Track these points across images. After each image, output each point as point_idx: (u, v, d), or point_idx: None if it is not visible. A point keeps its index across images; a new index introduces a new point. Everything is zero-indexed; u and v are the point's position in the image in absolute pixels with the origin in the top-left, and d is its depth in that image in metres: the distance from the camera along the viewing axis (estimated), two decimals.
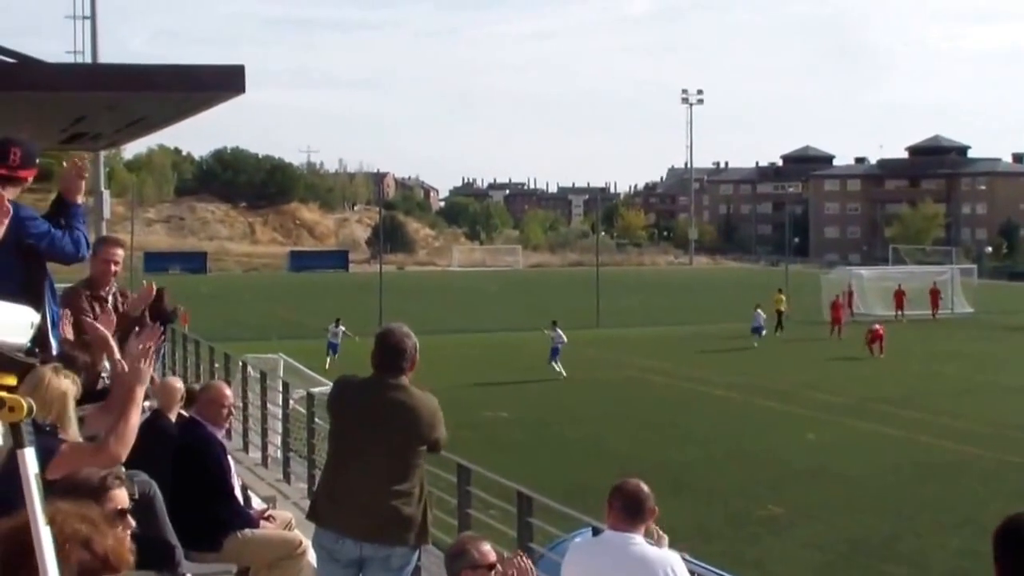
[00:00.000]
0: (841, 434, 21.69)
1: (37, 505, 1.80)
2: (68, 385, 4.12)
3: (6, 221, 4.41)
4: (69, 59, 22.81)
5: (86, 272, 6.62)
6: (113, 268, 6.41)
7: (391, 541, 4.93)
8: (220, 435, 6.50)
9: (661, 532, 4.84)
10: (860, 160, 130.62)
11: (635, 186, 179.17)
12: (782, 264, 66.25)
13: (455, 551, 4.13)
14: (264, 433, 13.65)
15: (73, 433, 4.12)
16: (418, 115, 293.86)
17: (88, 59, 23.82)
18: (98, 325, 5.51)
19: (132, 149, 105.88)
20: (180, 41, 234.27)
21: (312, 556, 5.53)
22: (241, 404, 13.68)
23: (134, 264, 44.68)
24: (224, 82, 7.12)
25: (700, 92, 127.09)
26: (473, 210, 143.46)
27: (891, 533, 14.84)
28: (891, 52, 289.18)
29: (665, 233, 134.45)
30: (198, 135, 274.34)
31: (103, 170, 24.80)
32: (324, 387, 15.43)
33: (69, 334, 5.69)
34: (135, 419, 3.86)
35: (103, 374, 5.77)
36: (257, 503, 7.36)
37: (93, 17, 24.68)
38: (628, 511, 4.50)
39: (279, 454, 13.25)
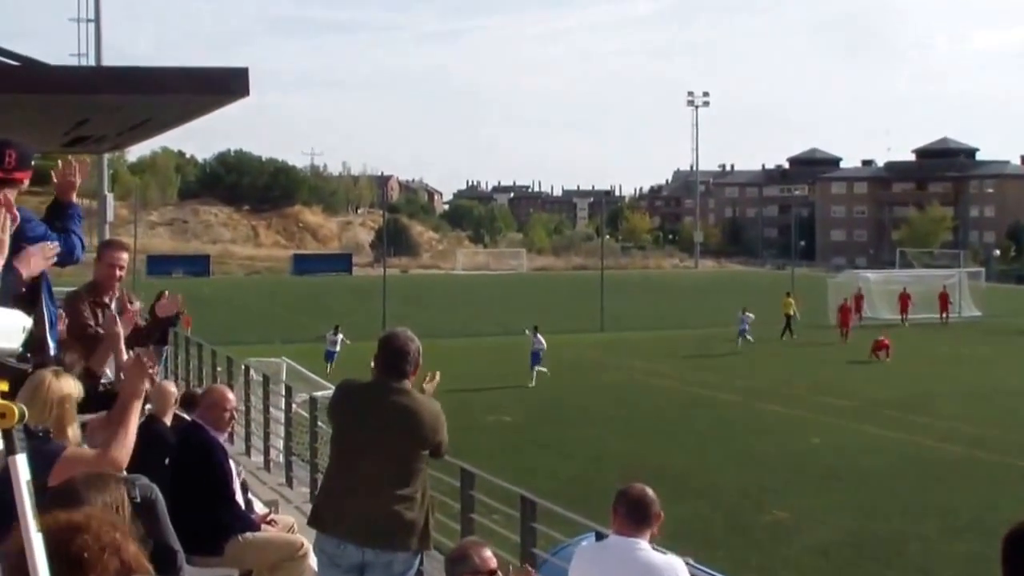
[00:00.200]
0: (847, 438, 21.63)
1: (29, 511, 1.78)
2: (69, 388, 4.10)
3: (14, 226, 4.39)
4: (73, 62, 22.81)
5: (88, 275, 6.59)
6: (118, 272, 6.37)
7: (393, 546, 4.90)
8: (222, 439, 6.48)
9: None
10: (867, 162, 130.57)
11: (640, 189, 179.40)
12: (788, 267, 66.25)
13: (456, 556, 4.10)
14: (266, 437, 13.63)
15: (74, 437, 4.10)
16: (422, 118, 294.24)
17: (92, 62, 23.83)
18: (117, 322, 5.49)
19: (136, 152, 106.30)
20: (184, 44, 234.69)
21: (314, 559, 5.51)
22: (244, 408, 13.66)
23: (137, 267, 44.73)
24: (228, 85, 7.10)
25: (706, 94, 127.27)
26: (477, 213, 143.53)
27: (897, 538, 14.77)
28: (899, 54, 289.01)
29: (670, 236, 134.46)
30: (202, 138, 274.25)
31: (106, 173, 24.81)
32: (327, 391, 15.40)
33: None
34: (133, 430, 3.94)
35: (103, 380, 5.75)
36: (259, 507, 7.34)
37: (97, 20, 24.70)
38: (633, 516, 4.48)
39: (281, 458, 13.23)
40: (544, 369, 28.85)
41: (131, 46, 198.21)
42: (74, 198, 5.02)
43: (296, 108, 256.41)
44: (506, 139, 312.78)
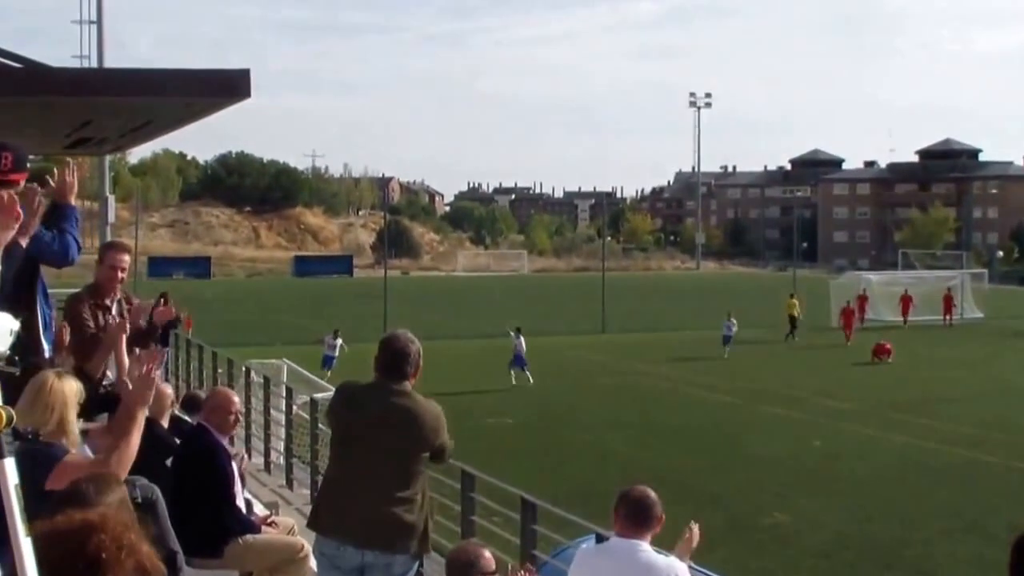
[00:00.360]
0: (848, 440, 21.61)
1: (17, 516, 1.77)
2: (71, 389, 4.11)
3: (16, 226, 4.39)
4: (75, 64, 22.81)
5: (89, 277, 6.60)
6: (119, 275, 6.36)
7: (393, 548, 4.90)
8: (226, 442, 6.48)
9: (695, 532, 4.82)
10: (870, 164, 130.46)
11: (642, 190, 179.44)
12: (790, 269, 66.19)
13: (464, 560, 4.09)
14: (267, 439, 13.63)
15: (74, 439, 4.11)
16: (423, 119, 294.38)
17: (94, 64, 23.84)
18: (123, 325, 5.49)
19: (137, 153, 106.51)
20: (186, 46, 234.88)
21: (314, 562, 5.51)
22: (244, 409, 13.66)
23: (138, 269, 44.74)
24: (230, 86, 7.10)
25: (708, 95, 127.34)
26: (478, 215, 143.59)
27: (898, 540, 14.76)
28: (901, 55, 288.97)
29: (672, 238, 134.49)
30: (203, 140, 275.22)
31: (108, 175, 24.80)
32: (327, 392, 15.39)
33: (66, 338, 5.68)
34: (136, 440, 3.96)
35: (104, 382, 5.76)
36: (259, 509, 7.34)
37: (99, 22, 24.68)
38: (634, 518, 4.48)
39: (282, 460, 13.23)
40: (526, 373, 28.40)
41: (133, 48, 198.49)
42: (72, 201, 5.03)
43: (297, 110, 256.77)
44: (507, 140, 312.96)
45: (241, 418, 6.92)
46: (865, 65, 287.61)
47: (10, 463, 1.84)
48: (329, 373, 27.39)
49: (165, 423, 6.57)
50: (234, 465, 6.35)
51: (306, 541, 5.95)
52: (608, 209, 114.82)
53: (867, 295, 46.16)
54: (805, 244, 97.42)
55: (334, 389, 5.94)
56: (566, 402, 26.33)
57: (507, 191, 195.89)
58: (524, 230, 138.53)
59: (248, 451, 14.07)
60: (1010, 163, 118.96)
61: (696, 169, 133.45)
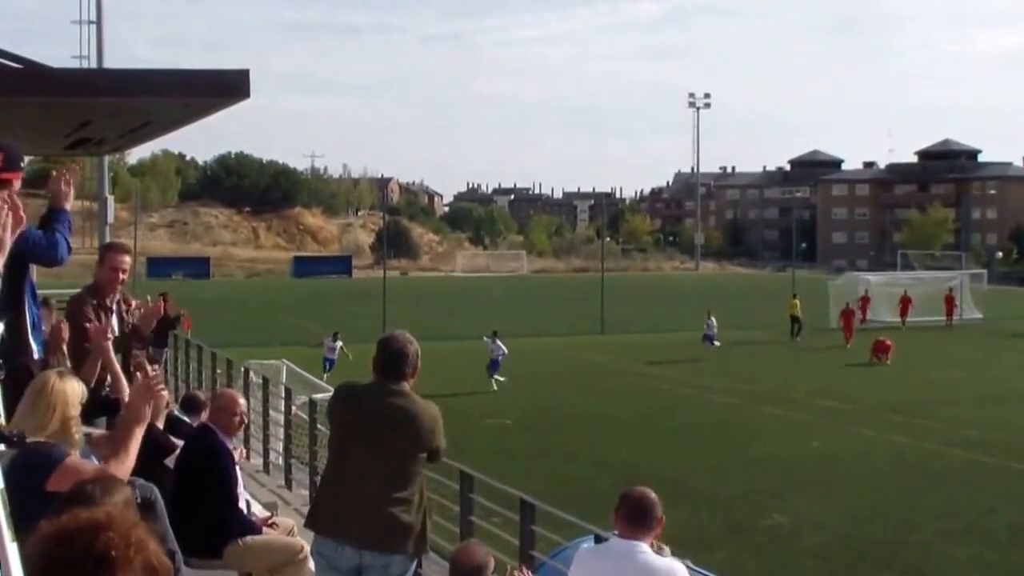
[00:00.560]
0: (847, 441, 21.62)
1: (2, 519, 1.76)
2: (72, 390, 4.11)
3: (19, 228, 4.39)
4: (75, 64, 22.82)
5: (89, 278, 6.60)
6: (120, 276, 6.37)
7: (390, 549, 4.91)
8: (231, 444, 6.48)
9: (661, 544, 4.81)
10: (869, 164, 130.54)
11: (641, 191, 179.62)
12: (789, 270, 66.21)
13: (473, 564, 4.07)
14: (266, 439, 13.63)
15: (76, 440, 4.12)
16: (422, 120, 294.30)
17: (94, 64, 23.83)
18: (105, 333, 5.48)
19: (136, 154, 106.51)
20: (185, 46, 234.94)
21: (312, 562, 5.51)
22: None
23: (137, 270, 44.68)
24: (229, 87, 7.10)
25: (707, 96, 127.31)
26: (477, 215, 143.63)
27: (897, 541, 14.76)
28: (900, 55, 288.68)
29: (671, 238, 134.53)
30: (202, 140, 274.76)
31: (107, 175, 24.80)
32: (326, 393, 15.39)
33: (65, 337, 5.67)
34: (134, 452, 4.05)
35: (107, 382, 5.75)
36: (258, 510, 7.34)
37: (99, 22, 24.69)
38: (633, 519, 4.48)
39: (281, 460, 13.23)
40: (502, 379, 28.09)
41: (133, 48, 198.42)
42: (67, 207, 5.03)
43: (297, 110, 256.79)
44: (507, 141, 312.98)
45: (246, 419, 6.91)
46: (864, 66, 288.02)
47: None
48: (326, 377, 27.04)
49: (161, 424, 6.57)
50: (238, 467, 6.36)
51: (305, 542, 5.95)
52: (607, 210, 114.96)
53: (868, 296, 46.05)
54: (804, 245, 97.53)
55: (333, 389, 5.94)
56: (565, 403, 26.32)
57: (506, 192, 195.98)
58: (523, 231, 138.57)
59: (247, 452, 14.10)
60: (1009, 164, 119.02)
61: (695, 170, 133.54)
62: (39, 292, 5.36)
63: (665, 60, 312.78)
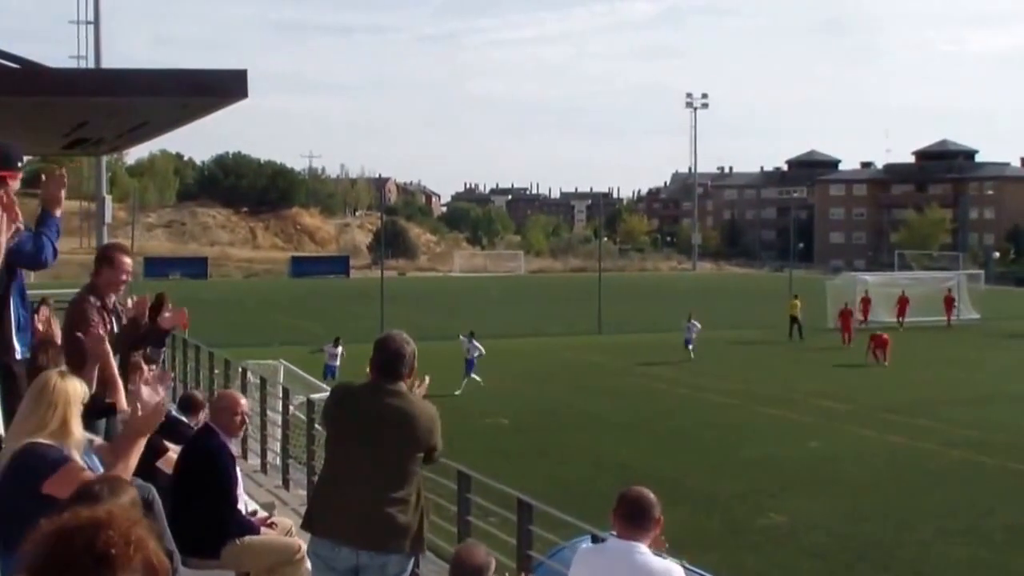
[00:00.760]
0: (845, 442, 21.63)
1: None
2: (74, 389, 4.11)
3: (14, 228, 4.39)
4: (72, 64, 22.81)
5: (86, 278, 6.59)
6: (124, 277, 6.39)
7: (387, 549, 4.91)
8: (232, 444, 6.48)
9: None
10: (866, 164, 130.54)
11: (638, 191, 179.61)
12: (786, 270, 66.24)
13: (475, 564, 4.07)
14: (263, 439, 13.62)
15: (77, 441, 4.12)
16: (420, 120, 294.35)
17: (91, 64, 23.82)
18: (101, 338, 5.47)
19: (134, 154, 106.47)
20: (183, 46, 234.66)
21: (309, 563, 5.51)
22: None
23: (135, 269, 44.58)
24: (227, 87, 7.12)
25: (705, 96, 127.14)
26: (475, 215, 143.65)
27: (895, 541, 14.79)
28: (897, 55, 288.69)
29: (668, 238, 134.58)
30: (200, 140, 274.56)
31: (105, 175, 24.80)
32: (324, 393, 15.40)
33: (57, 335, 5.65)
34: (134, 461, 4.08)
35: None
36: (254, 508, 7.34)
37: (96, 22, 24.69)
38: (631, 519, 4.48)
39: (278, 460, 13.23)
40: (478, 378, 27.68)
41: (130, 48, 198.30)
42: (57, 212, 5.02)
43: (294, 110, 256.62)
44: (504, 141, 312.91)
45: (248, 419, 6.91)
46: (861, 66, 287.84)
47: None
48: (326, 382, 25.33)
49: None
50: (238, 468, 6.36)
51: (303, 542, 5.95)
52: (605, 210, 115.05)
53: (869, 297, 45.94)
54: (801, 245, 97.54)
55: (330, 390, 5.95)
56: (562, 403, 26.33)
57: (503, 192, 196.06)
58: (520, 231, 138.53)
59: (244, 452, 14.11)
60: (1006, 164, 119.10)
61: (692, 170, 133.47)
62: (40, 292, 5.36)
63: (662, 60, 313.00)
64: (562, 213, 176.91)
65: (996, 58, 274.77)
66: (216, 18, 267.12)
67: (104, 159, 24.01)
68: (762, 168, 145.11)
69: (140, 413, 4.06)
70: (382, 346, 5.10)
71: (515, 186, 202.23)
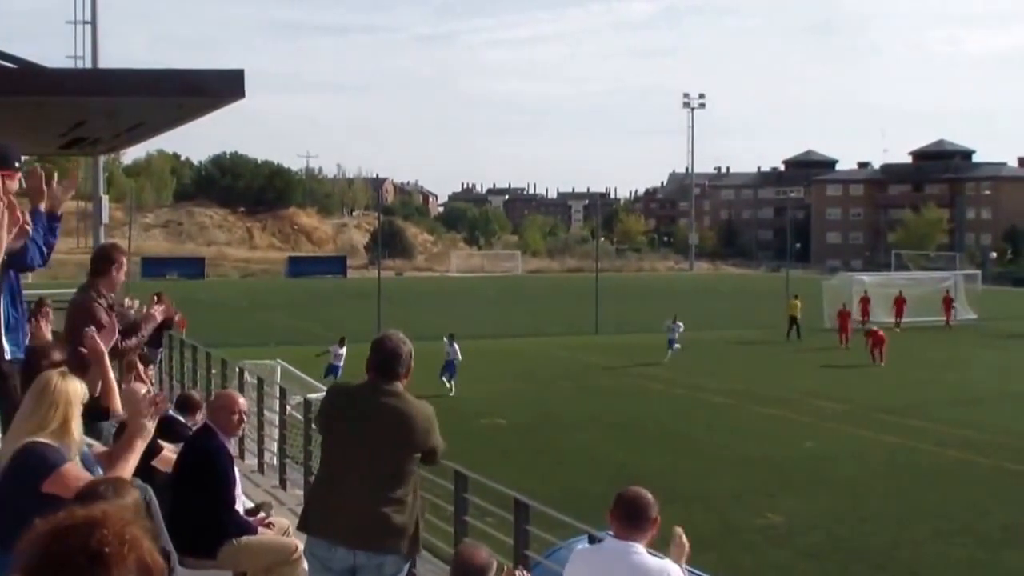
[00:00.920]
0: (841, 442, 21.65)
1: None
2: (74, 389, 4.12)
3: (17, 229, 4.39)
4: (70, 64, 22.78)
5: (83, 277, 6.60)
6: (121, 277, 6.47)
7: (384, 549, 4.91)
8: (230, 444, 6.48)
9: (683, 537, 4.81)
10: (863, 165, 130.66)
11: (635, 191, 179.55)
12: (783, 270, 66.26)
13: (477, 564, 4.07)
14: (260, 439, 13.63)
15: (77, 441, 4.12)
16: (417, 120, 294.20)
17: (88, 64, 23.79)
18: (98, 341, 5.46)
19: (131, 154, 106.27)
20: (181, 46, 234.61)
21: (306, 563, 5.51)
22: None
23: (132, 269, 44.63)
24: (224, 87, 7.12)
25: (702, 96, 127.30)
26: (472, 215, 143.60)
27: (891, 542, 14.80)
28: (894, 56, 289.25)
29: (665, 238, 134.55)
30: (197, 140, 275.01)
31: (102, 175, 24.76)
32: (321, 393, 15.38)
33: (47, 334, 5.65)
34: (132, 465, 4.15)
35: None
36: (249, 506, 7.34)
37: (94, 22, 24.63)
38: (628, 519, 4.48)
39: (275, 460, 13.23)
40: (448, 384, 26.64)
41: (127, 49, 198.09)
42: (42, 207, 5.01)
43: (291, 110, 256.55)
44: (501, 141, 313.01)
45: (246, 419, 6.90)
46: (858, 66, 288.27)
47: None
48: (326, 381, 25.31)
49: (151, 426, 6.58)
50: (236, 469, 6.36)
51: (300, 542, 5.95)
52: (602, 210, 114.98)
53: (868, 297, 45.88)
54: (798, 245, 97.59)
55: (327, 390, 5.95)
56: (559, 403, 26.33)
57: (501, 192, 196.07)
58: (518, 231, 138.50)
59: (241, 452, 14.10)
60: (1003, 164, 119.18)
61: (690, 170, 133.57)
62: (38, 292, 5.36)
63: (659, 60, 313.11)
64: (559, 213, 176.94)
65: (993, 58, 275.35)
66: (213, 18, 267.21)
67: (101, 159, 23.98)
68: (759, 168, 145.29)
69: (138, 418, 4.08)
70: (379, 346, 5.10)
71: (512, 186, 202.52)
